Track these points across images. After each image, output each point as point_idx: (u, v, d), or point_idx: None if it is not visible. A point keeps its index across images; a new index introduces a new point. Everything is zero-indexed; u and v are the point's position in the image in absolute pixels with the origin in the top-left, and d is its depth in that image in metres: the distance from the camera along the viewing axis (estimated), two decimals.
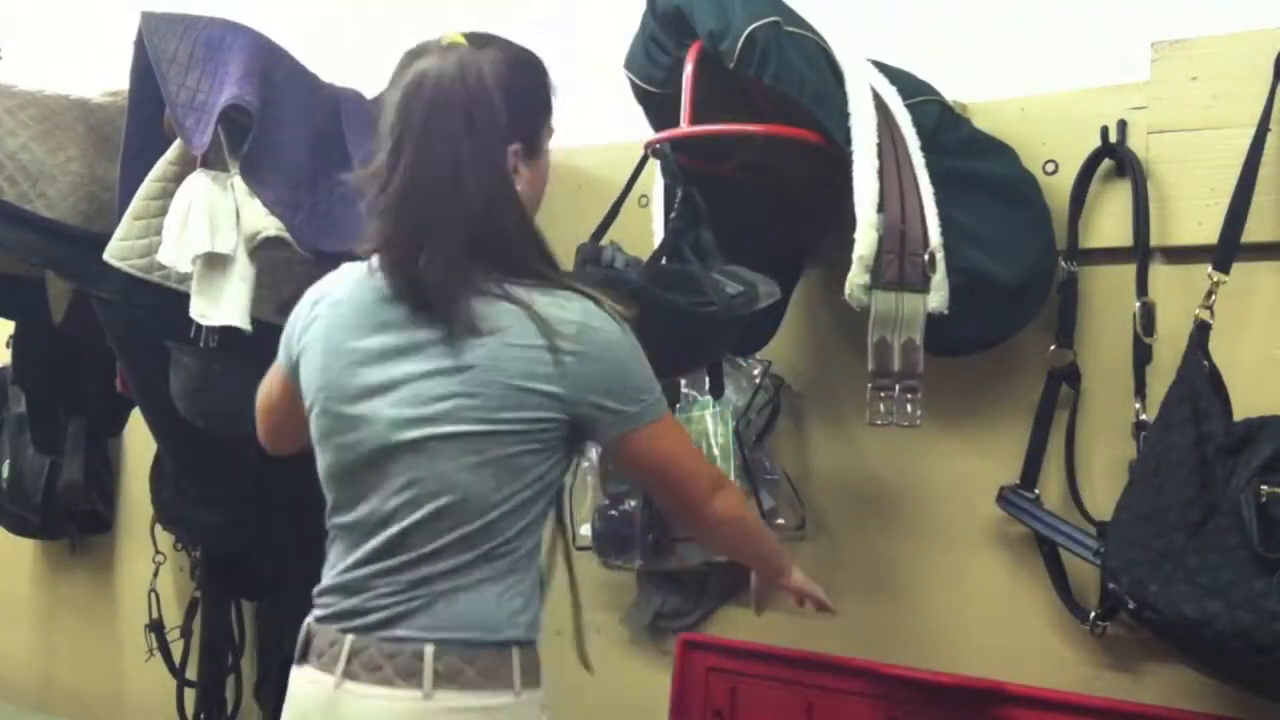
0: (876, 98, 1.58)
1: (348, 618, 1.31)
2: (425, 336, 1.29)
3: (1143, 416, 1.57)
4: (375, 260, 1.34)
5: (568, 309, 1.30)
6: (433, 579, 1.28)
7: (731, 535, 1.50)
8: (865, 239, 1.51)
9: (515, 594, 1.31)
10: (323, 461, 1.37)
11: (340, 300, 1.37)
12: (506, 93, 1.33)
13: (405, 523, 1.28)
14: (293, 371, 1.42)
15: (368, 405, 1.30)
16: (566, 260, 2.08)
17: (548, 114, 1.42)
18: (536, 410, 1.27)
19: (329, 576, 1.36)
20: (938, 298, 1.55)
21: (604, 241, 1.65)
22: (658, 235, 1.69)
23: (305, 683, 1.35)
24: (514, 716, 1.30)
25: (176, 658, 2.46)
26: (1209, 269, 1.50)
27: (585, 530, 1.97)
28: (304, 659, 1.36)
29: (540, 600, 1.38)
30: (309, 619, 1.38)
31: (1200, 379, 1.48)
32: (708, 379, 1.73)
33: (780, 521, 1.86)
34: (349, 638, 1.29)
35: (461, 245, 1.27)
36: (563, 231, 2.10)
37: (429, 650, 1.26)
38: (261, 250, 1.77)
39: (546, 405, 1.28)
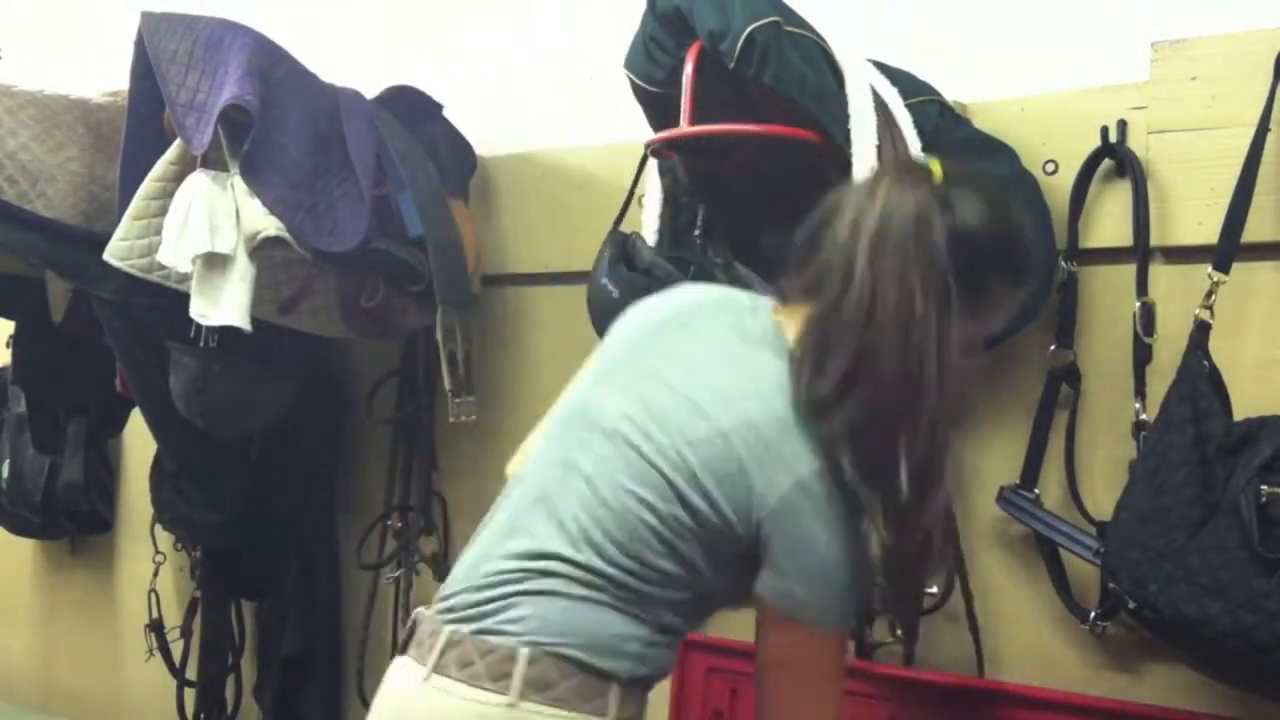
0: (876, 98, 1.58)
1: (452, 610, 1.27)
2: None
3: (1143, 416, 1.57)
4: None
5: None
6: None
7: None
8: None
9: (637, 629, 1.23)
10: None
11: None
12: None
13: None
14: None
15: None
16: (555, 257, 2.10)
17: None
18: None
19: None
20: None
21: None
22: (649, 232, 1.69)
23: (397, 671, 1.29)
24: None
25: (176, 658, 2.46)
26: (1209, 269, 1.50)
27: None
28: (404, 648, 1.30)
29: (664, 660, 1.28)
30: (419, 608, 1.33)
31: (1200, 379, 1.48)
32: None
33: None
34: (447, 629, 1.24)
35: None
36: (563, 231, 2.12)
37: (523, 653, 1.20)
38: (261, 250, 1.77)
39: None
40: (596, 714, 1.20)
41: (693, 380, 1.25)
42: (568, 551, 1.22)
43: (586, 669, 1.20)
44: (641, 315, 1.37)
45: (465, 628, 1.23)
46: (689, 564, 1.22)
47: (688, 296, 1.38)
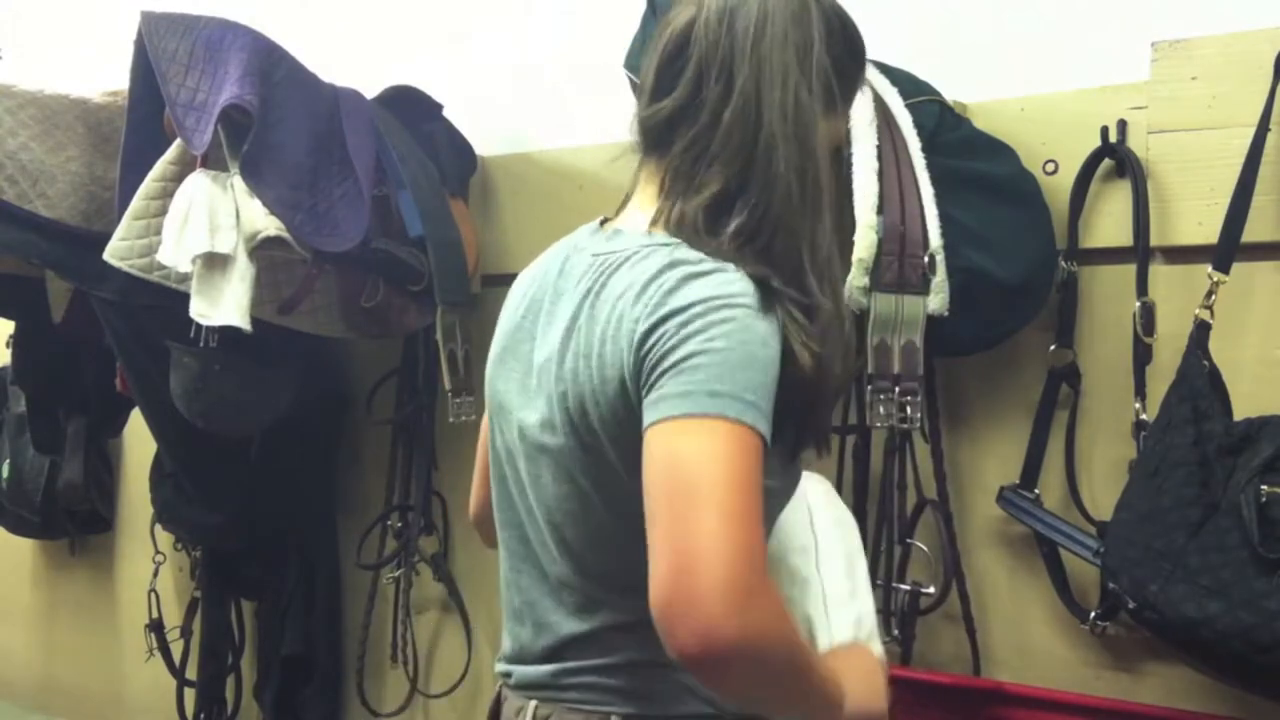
0: (876, 98, 1.58)
1: None
2: None
3: (1143, 416, 1.58)
4: None
5: None
6: None
7: (740, 680, 0.99)
8: (864, 241, 1.51)
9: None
10: None
11: None
12: None
13: None
14: None
15: None
16: None
17: None
18: None
19: None
20: (938, 300, 1.55)
21: None
22: None
23: None
24: None
25: (176, 658, 2.46)
26: (1209, 269, 1.50)
27: None
28: None
29: None
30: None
31: (1200, 379, 1.48)
32: None
33: None
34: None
35: None
36: (563, 231, 2.11)
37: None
38: (261, 250, 1.77)
39: None
40: None
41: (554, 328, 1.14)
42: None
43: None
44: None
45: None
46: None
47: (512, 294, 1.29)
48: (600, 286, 1.10)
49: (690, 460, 0.97)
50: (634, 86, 1.68)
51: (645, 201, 1.17)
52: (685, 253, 1.06)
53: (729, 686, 0.99)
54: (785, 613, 1.01)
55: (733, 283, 1.03)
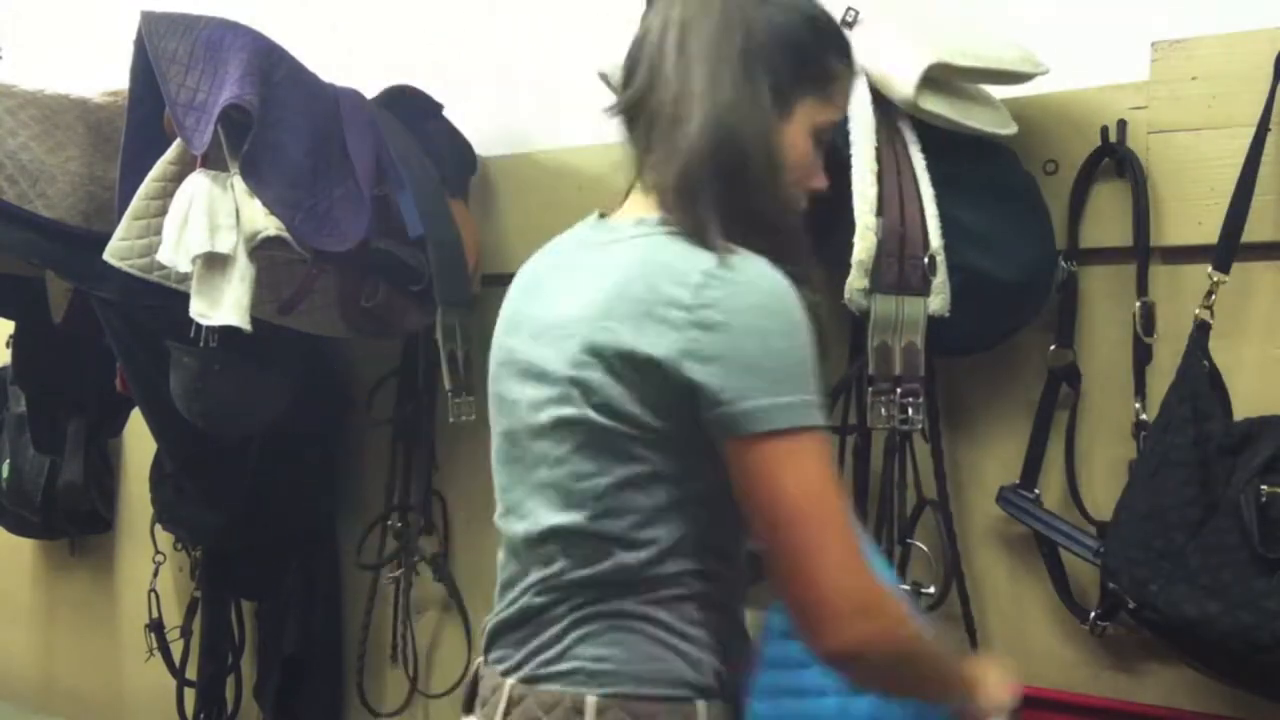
0: (876, 99, 1.58)
1: None
2: None
3: (1143, 416, 1.58)
4: None
5: None
6: None
7: (873, 675, 1.14)
8: (863, 243, 1.51)
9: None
10: None
11: None
12: None
13: None
14: None
15: None
16: None
17: None
18: None
19: None
20: (938, 301, 1.55)
21: None
22: None
23: None
24: None
25: (176, 658, 2.46)
26: (1209, 269, 1.50)
27: None
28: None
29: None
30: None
31: (1200, 379, 1.48)
32: None
33: None
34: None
35: None
36: (563, 231, 2.12)
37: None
38: (261, 250, 1.77)
39: None
40: None
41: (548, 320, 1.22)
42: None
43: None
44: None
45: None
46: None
47: (514, 285, 1.36)
48: (604, 261, 1.19)
49: (793, 489, 1.08)
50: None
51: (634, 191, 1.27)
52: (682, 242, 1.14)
53: (870, 681, 1.15)
54: (901, 605, 1.13)
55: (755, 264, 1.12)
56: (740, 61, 1.17)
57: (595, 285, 1.16)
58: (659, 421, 1.12)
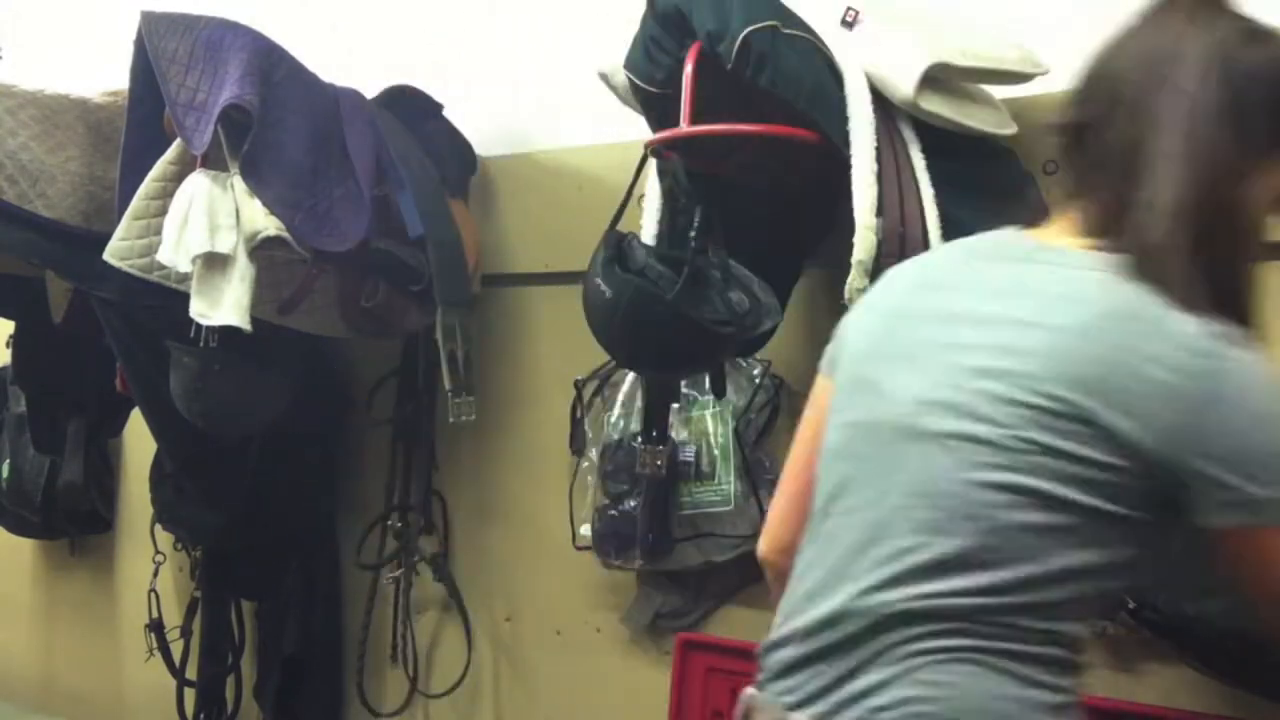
0: (876, 99, 1.58)
1: None
2: None
3: None
4: None
5: None
6: None
7: None
8: (863, 243, 1.51)
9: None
10: None
11: None
12: None
13: None
14: None
15: None
16: (554, 257, 2.10)
17: None
18: None
19: None
20: None
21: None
22: (647, 233, 1.70)
23: None
24: None
25: (176, 658, 2.46)
26: None
27: (585, 530, 1.97)
28: None
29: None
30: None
31: None
32: (708, 379, 1.74)
33: None
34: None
35: None
36: (563, 231, 2.12)
37: None
38: (261, 250, 1.77)
39: None
40: None
41: (992, 321, 1.09)
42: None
43: None
44: (868, 316, 1.25)
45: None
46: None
47: (904, 275, 1.25)
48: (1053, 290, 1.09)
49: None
50: (634, 88, 1.68)
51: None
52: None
53: None
54: None
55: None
56: (1221, 109, 1.06)
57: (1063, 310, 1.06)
58: None
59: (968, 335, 1.11)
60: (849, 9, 1.61)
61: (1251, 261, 1.10)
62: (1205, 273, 1.03)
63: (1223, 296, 1.03)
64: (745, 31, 1.49)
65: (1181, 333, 1.01)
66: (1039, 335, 1.05)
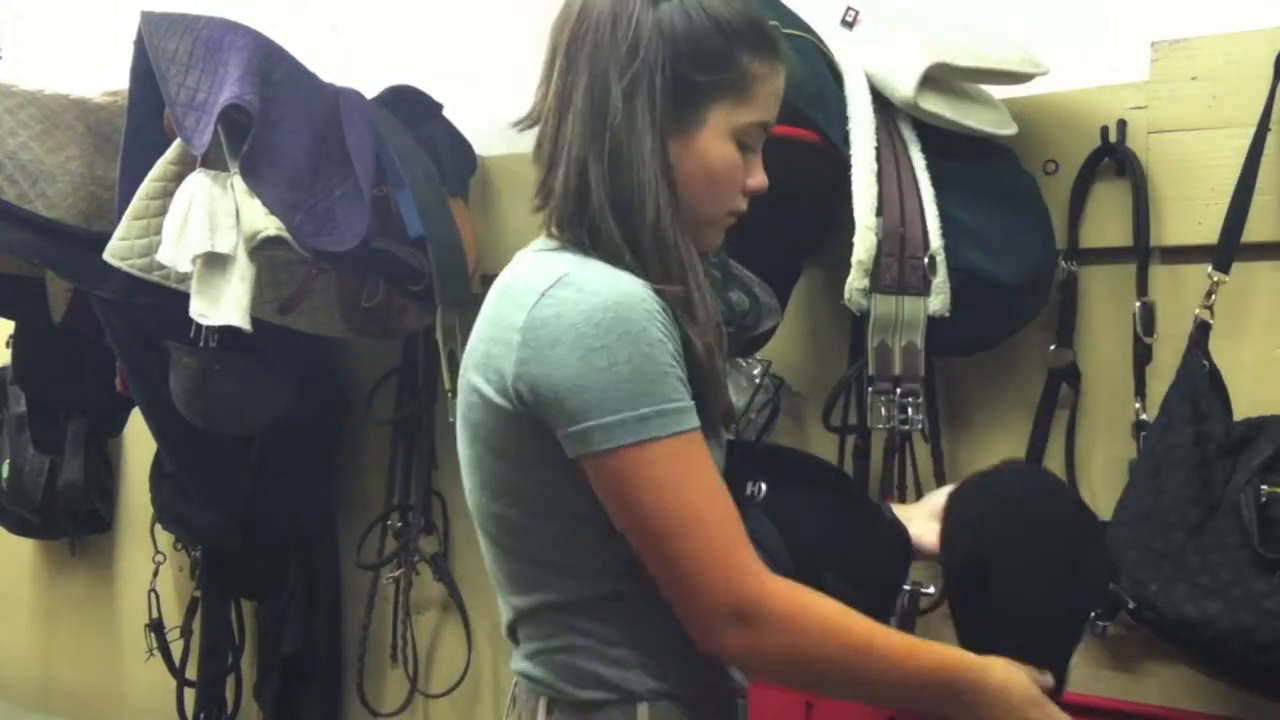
0: (876, 98, 1.58)
1: None
2: None
3: (1143, 416, 1.58)
4: None
5: None
6: None
7: (766, 675, 1.16)
8: (863, 243, 1.51)
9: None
10: None
11: None
12: None
13: None
14: None
15: None
16: None
17: None
18: None
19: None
20: (938, 301, 1.55)
21: None
22: None
23: None
24: None
25: (176, 658, 2.46)
26: (1209, 269, 1.50)
27: None
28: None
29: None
30: None
31: (1200, 379, 1.48)
32: None
33: None
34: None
35: None
36: None
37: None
38: (261, 250, 1.77)
39: None
40: None
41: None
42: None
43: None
44: None
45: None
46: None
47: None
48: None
49: (648, 503, 1.06)
50: None
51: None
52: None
53: (769, 678, 1.15)
54: (796, 604, 1.08)
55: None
56: (620, 80, 1.12)
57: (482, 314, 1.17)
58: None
59: None
60: (849, 9, 1.61)
61: (703, 207, 1.17)
62: (616, 231, 1.10)
63: (642, 246, 1.11)
64: None
65: (523, 292, 1.10)
66: None
